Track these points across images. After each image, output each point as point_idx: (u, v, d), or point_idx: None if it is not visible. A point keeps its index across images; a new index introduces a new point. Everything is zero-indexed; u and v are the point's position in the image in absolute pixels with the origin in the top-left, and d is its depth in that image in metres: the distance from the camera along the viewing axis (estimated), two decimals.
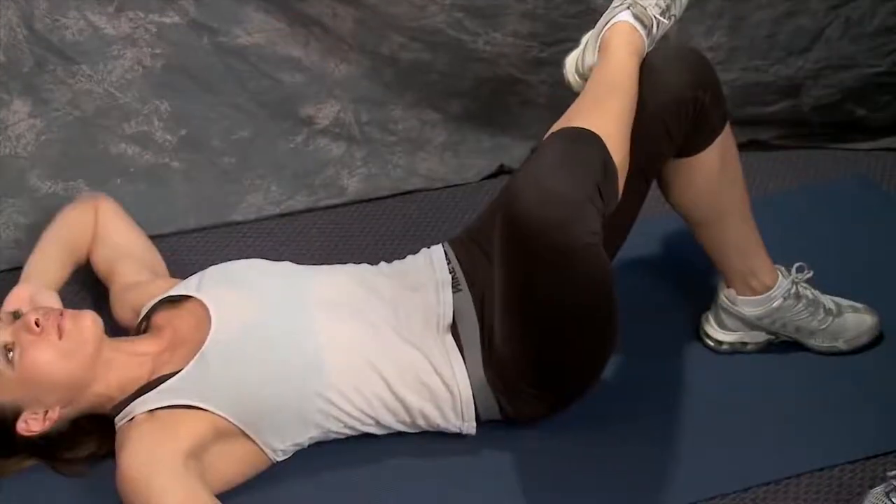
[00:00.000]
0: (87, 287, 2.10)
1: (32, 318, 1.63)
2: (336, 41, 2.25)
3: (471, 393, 1.68)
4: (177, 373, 1.64)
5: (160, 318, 1.77)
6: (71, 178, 2.22)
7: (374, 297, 1.74)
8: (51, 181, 2.21)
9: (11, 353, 1.61)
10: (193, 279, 1.80)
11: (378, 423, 1.71)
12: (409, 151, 2.37)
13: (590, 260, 1.52)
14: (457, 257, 1.80)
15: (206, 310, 1.70)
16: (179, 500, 1.51)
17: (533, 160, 1.54)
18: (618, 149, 1.56)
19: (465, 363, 1.68)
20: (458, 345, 1.70)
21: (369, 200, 2.35)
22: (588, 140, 1.54)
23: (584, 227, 1.49)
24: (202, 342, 1.65)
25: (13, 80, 2.13)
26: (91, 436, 1.70)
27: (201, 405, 1.61)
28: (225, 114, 2.27)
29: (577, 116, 1.61)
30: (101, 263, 1.96)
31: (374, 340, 1.69)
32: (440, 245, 1.84)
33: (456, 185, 2.37)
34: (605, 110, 1.61)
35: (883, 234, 2.11)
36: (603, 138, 1.54)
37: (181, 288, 1.78)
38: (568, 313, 1.58)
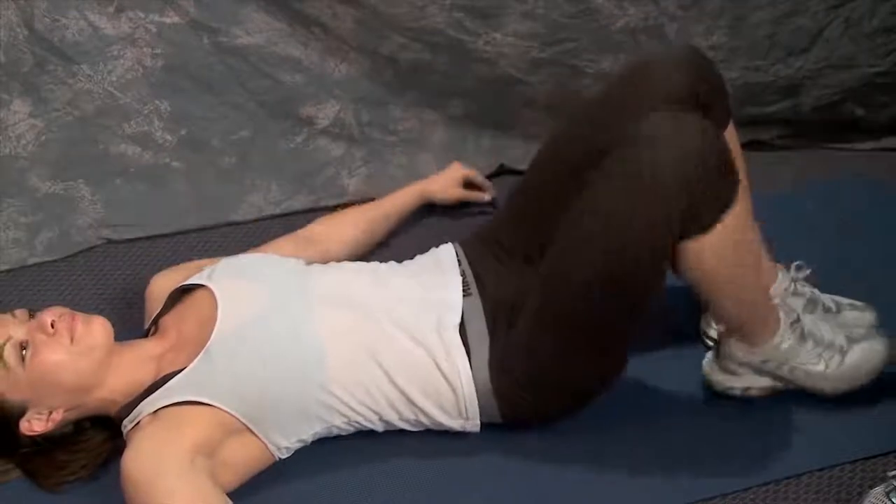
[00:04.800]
0: (100, 295, 2.11)
1: (48, 319, 1.63)
2: (336, 41, 2.24)
3: (474, 391, 1.68)
4: (181, 370, 1.64)
5: (168, 319, 1.77)
6: (71, 178, 2.22)
7: (381, 293, 1.74)
8: (51, 181, 2.21)
9: (25, 351, 1.61)
10: (205, 271, 1.80)
11: (381, 419, 1.71)
12: (409, 151, 2.37)
13: (660, 277, 1.56)
14: (468, 260, 1.80)
15: (214, 305, 1.69)
16: (186, 500, 1.50)
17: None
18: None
19: (469, 363, 1.68)
20: (465, 345, 1.69)
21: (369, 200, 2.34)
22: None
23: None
24: (207, 340, 1.65)
25: (13, 80, 2.13)
26: (93, 440, 1.70)
27: (206, 401, 1.61)
28: (225, 114, 2.27)
29: None
30: None
31: (377, 334, 1.68)
32: (450, 244, 1.84)
33: None
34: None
35: (883, 234, 2.11)
36: None
37: (193, 279, 1.79)
38: (610, 331, 1.61)
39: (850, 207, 2.21)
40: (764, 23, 2.27)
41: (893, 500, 1.54)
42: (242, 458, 1.64)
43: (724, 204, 1.53)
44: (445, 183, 2.23)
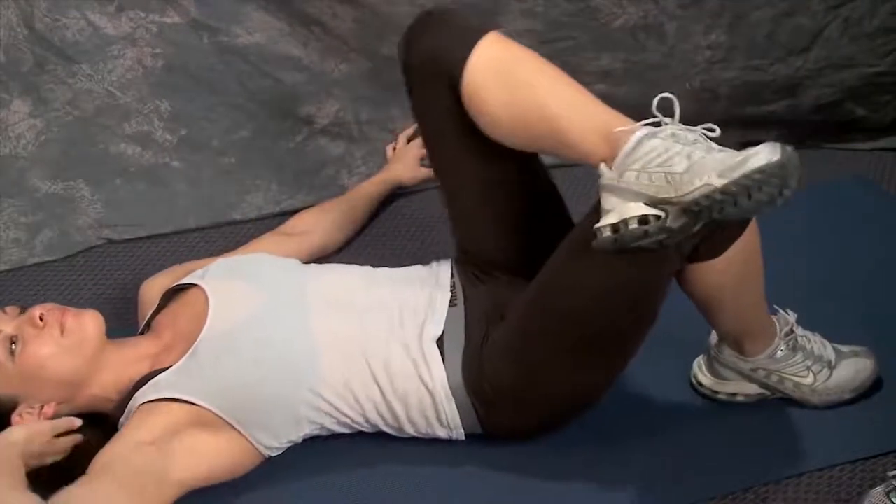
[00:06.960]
0: (99, 295, 2.11)
1: (37, 313, 1.64)
2: (336, 41, 2.25)
3: (452, 399, 1.66)
4: (169, 367, 1.65)
5: (162, 318, 1.77)
6: (71, 178, 2.22)
7: (372, 298, 1.74)
8: (51, 181, 2.22)
9: (14, 345, 1.62)
10: (199, 271, 1.81)
11: (368, 422, 1.70)
12: None
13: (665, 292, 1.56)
14: (460, 273, 1.78)
15: (207, 304, 1.70)
16: (109, 482, 1.50)
17: None
18: None
19: (445, 373, 1.66)
20: (442, 355, 1.67)
21: None
22: None
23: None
24: (197, 338, 1.65)
25: (13, 80, 2.13)
26: (90, 440, 1.70)
27: (187, 398, 1.61)
28: (225, 114, 2.27)
29: None
30: None
31: (368, 339, 1.68)
32: (449, 260, 1.82)
33: None
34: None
35: (883, 234, 2.11)
36: None
37: (187, 278, 1.79)
38: (604, 344, 1.61)
39: (850, 207, 2.20)
40: (763, 22, 2.27)
41: (893, 500, 1.54)
42: (221, 450, 1.63)
43: (738, 233, 1.51)
44: (406, 164, 2.25)
